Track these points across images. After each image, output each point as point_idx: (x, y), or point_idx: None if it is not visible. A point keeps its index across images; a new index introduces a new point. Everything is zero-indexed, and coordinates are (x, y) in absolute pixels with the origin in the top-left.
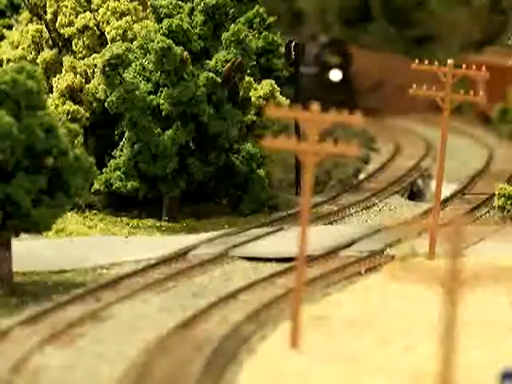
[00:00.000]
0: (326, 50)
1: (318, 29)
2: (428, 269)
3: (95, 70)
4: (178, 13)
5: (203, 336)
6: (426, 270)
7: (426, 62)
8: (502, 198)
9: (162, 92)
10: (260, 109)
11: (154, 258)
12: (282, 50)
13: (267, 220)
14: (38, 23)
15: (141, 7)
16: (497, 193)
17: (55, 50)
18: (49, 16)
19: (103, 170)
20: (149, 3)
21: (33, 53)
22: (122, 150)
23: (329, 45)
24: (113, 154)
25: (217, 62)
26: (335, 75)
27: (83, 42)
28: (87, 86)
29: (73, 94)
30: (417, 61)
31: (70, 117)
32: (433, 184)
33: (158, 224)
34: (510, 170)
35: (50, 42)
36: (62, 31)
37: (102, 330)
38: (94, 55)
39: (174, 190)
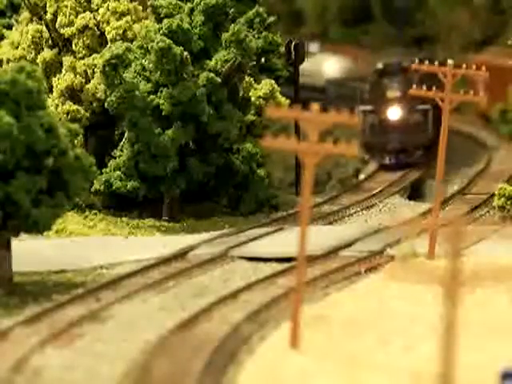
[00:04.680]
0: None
1: (318, 29)
2: (428, 269)
3: (95, 69)
4: (178, 13)
5: (203, 336)
6: (425, 270)
7: (427, 62)
8: (502, 198)
9: (161, 92)
10: (260, 109)
11: (154, 258)
12: (282, 49)
13: (267, 220)
14: (38, 23)
15: (141, 7)
16: (497, 193)
17: (55, 50)
18: (49, 16)
19: (103, 170)
20: (149, 3)
21: (33, 53)
22: (122, 150)
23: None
24: (113, 154)
25: (217, 62)
26: (393, 114)
27: (83, 41)
28: (87, 85)
29: (73, 94)
30: (417, 61)
31: (70, 117)
32: (433, 184)
33: (158, 224)
34: (509, 170)
35: (50, 41)
36: (61, 31)
37: (102, 330)
38: (94, 55)
39: (174, 190)
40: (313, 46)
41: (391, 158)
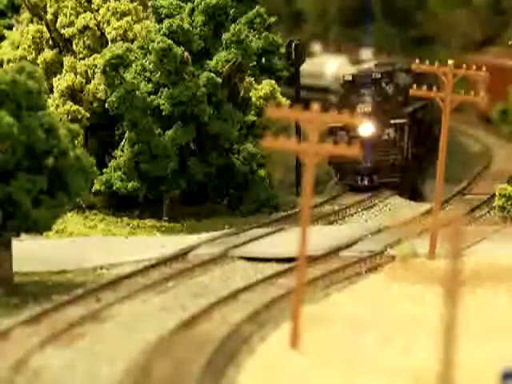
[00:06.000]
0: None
1: (319, 29)
2: (428, 269)
3: (96, 70)
4: (179, 13)
5: (203, 336)
6: (426, 271)
7: (427, 62)
8: (503, 199)
9: (162, 92)
10: (260, 109)
11: (154, 258)
12: (283, 50)
13: (267, 220)
14: (38, 23)
15: (141, 7)
16: (497, 193)
17: (56, 51)
18: (49, 16)
19: (103, 171)
20: (149, 3)
21: (33, 53)
22: (122, 151)
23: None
24: (113, 154)
25: (217, 63)
26: (365, 130)
27: (84, 42)
28: (87, 86)
29: (73, 95)
30: (417, 61)
31: (70, 117)
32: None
33: (158, 224)
34: (510, 171)
35: (51, 42)
36: (62, 31)
37: (102, 330)
38: (95, 55)
39: (174, 191)
40: (366, 53)
41: (363, 180)
